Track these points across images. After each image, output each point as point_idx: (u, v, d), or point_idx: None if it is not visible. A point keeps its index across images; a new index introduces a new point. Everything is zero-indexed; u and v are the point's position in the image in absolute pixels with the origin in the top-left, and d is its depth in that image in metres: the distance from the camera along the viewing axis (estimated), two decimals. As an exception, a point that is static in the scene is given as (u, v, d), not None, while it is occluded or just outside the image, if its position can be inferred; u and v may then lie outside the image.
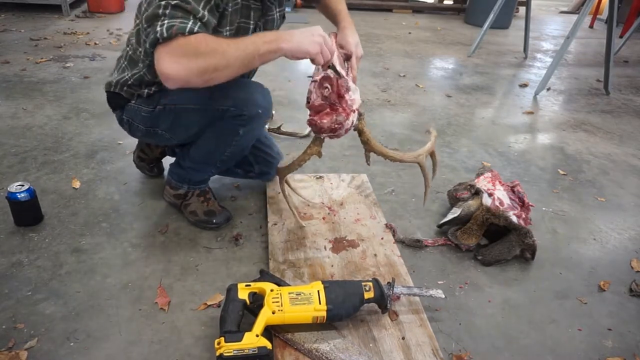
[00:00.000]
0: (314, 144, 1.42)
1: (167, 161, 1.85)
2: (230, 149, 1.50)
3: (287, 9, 4.93)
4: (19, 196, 1.53)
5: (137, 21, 1.37)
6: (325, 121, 1.31)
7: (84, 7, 4.75)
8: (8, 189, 1.55)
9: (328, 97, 1.31)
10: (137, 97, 1.47)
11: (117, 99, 1.51)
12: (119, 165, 1.99)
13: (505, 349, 1.26)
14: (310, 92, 1.34)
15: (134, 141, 1.92)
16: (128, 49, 1.45)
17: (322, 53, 1.20)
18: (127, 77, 1.44)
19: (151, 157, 1.88)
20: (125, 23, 4.33)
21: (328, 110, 1.31)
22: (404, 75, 3.47)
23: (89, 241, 1.54)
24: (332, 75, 1.30)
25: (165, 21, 1.09)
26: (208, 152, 1.53)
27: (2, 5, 4.44)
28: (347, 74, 1.33)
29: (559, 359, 1.25)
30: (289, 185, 1.59)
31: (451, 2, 6.43)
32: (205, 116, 1.42)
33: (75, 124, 2.32)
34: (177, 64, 1.08)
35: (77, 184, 1.83)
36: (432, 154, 1.50)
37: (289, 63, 3.48)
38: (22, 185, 1.55)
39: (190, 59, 1.08)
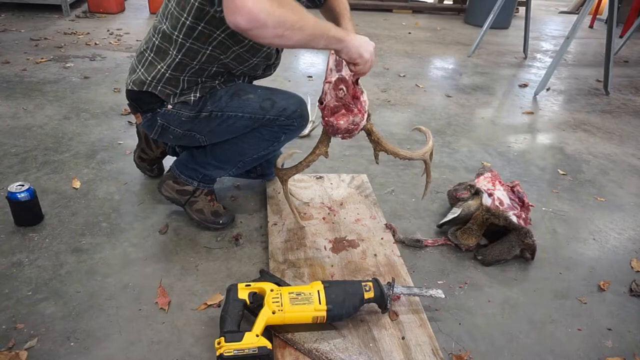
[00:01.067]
0: (322, 144, 1.44)
1: (168, 161, 1.85)
2: (262, 152, 1.53)
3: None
4: (19, 196, 1.53)
5: (171, 3, 1.31)
6: (342, 122, 1.32)
7: (84, 7, 4.75)
8: (8, 189, 1.55)
9: (343, 98, 1.32)
10: (180, 103, 1.41)
11: (148, 101, 1.42)
12: (119, 165, 1.99)
13: (505, 349, 1.26)
14: (325, 92, 1.35)
15: (134, 141, 1.92)
16: (155, 40, 1.37)
17: (369, 62, 1.28)
18: (162, 69, 1.36)
19: (152, 157, 1.87)
20: (126, 23, 4.34)
21: (343, 111, 1.32)
22: (404, 75, 3.47)
23: (89, 241, 1.54)
24: (347, 77, 1.31)
25: None
26: (240, 153, 1.53)
27: (2, 5, 4.44)
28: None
29: (559, 359, 1.25)
30: (284, 186, 1.59)
31: (451, 2, 6.43)
32: (253, 124, 1.45)
33: (76, 124, 2.32)
34: (263, 4, 1.01)
35: (77, 184, 1.83)
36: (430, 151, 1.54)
37: (290, 63, 3.48)
38: (22, 185, 1.55)
39: (274, 4, 1.02)
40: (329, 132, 1.38)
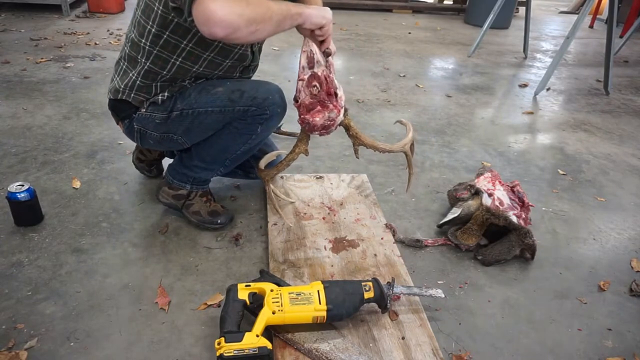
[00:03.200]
0: (301, 142, 1.45)
1: (167, 162, 1.85)
2: (243, 147, 1.51)
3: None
4: (19, 196, 1.53)
5: (137, 12, 1.35)
6: (317, 119, 1.33)
7: (84, 7, 4.76)
8: (8, 189, 1.55)
9: (317, 95, 1.33)
10: (150, 104, 1.43)
11: (124, 108, 1.47)
12: (119, 165, 1.99)
13: (505, 349, 1.26)
14: (298, 91, 1.37)
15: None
16: (126, 49, 1.42)
17: (331, 22, 1.31)
18: (133, 77, 1.41)
19: (150, 158, 1.87)
20: (126, 23, 4.33)
21: (319, 107, 1.33)
22: (404, 75, 3.47)
23: (89, 241, 1.54)
24: (320, 74, 1.33)
25: None
26: (221, 150, 1.52)
27: (2, 5, 4.44)
28: (331, 72, 1.36)
29: (559, 359, 1.25)
30: (268, 186, 1.59)
31: (451, 2, 6.43)
32: (225, 118, 1.43)
33: (76, 124, 2.32)
34: (228, 8, 1.06)
35: (77, 184, 1.83)
36: (411, 144, 1.55)
37: (290, 62, 3.48)
38: (22, 185, 1.55)
39: (241, 6, 1.08)
40: (306, 129, 1.39)
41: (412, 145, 1.54)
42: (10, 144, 2.09)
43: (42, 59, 3.20)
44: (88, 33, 3.92)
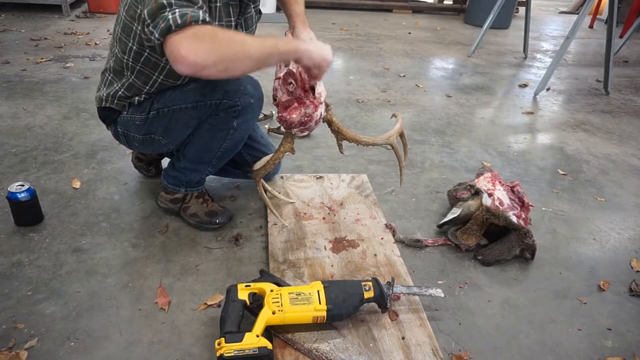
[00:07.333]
0: (285, 141, 1.45)
1: (166, 162, 1.85)
2: (225, 144, 1.50)
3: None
4: (19, 196, 1.53)
5: (117, 28, 1.36)
6: (294, 116, 1.33)
7: (84, 7, 4.75)
8: (8, 189, 1.55)
9: (293, 92, 1.34)
10: (129, 106, 1.46)
11: (109, 114, 1.52)
12: (119, 165, 1.99)
13: (505, 349, 1.26)
14: (275, 89, 1.37)
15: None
16: (111, 62, 1.44)
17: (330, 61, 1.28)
18: (117, 88, 1.44)
19: (149, 157, 1.88)
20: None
21: (296, 104, 1.34)
22: (404, 75, 3.47)
23: (89, 241, 1.54)
24: (295, 71, 1.32)
25: (176, 10, 1.07)
26: (204, 149, 1.52)
27: (2, 5, 4.44)
28: None
29: (559, 359, 1.25)
30: (264, 185, 1.59)
31: (451, 2, 6.43)
32: (198, 113, 1.42)
33: (76, 124, 2.32)
34: (196, 49, 1.05)
35: (77, 184, 1.83)
36: (401, 135, 1.54)
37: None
38: (22, 185, 1.55)
39: (209, 46, 1.06)
40: (284, 127, 1.39)
41: (402, 137, 1.53)
42: (11, 144, 2.09)
43: (42, 59, 3.20)
44: (88, 33, 3.92)
